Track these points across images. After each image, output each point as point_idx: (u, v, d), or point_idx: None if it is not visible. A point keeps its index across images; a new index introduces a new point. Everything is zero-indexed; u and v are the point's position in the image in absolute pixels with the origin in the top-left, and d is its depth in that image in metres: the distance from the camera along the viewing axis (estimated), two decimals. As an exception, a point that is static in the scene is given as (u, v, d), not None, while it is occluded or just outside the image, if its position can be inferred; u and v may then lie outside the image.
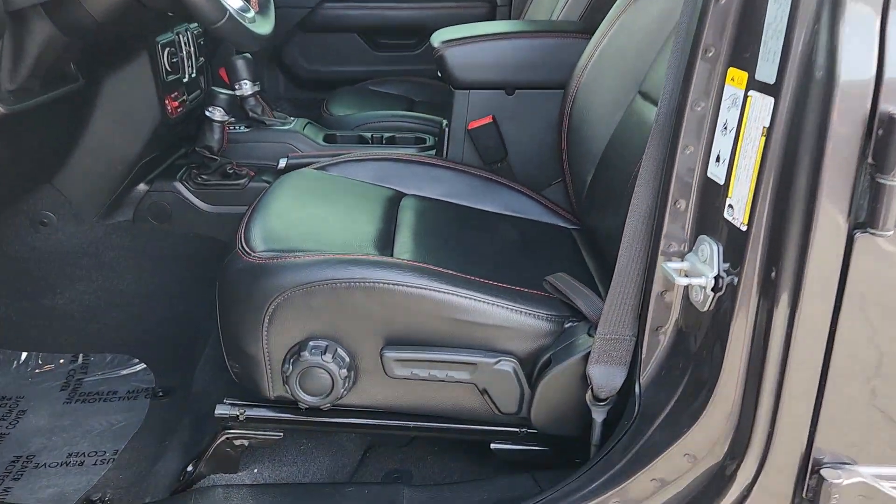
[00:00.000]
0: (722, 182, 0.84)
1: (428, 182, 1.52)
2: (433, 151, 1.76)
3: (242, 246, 1.12)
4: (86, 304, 1.64)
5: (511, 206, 1.52)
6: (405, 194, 1.49)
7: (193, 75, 1.71)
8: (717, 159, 0.85)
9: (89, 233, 1.63)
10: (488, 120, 1.59)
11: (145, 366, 1.61)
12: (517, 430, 1.14)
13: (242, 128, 1.76)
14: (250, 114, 1.76)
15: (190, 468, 1.20)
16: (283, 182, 1.38)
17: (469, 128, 1.60)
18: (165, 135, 1.62)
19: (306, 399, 1.06)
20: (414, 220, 1.32)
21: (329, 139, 1.82)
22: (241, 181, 1.66)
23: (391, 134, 1.87)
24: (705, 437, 0.89)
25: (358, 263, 1.06)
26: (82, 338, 1.63)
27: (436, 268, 1.08)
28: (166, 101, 1.58)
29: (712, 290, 0.85)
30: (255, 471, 1.19)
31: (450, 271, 1.09)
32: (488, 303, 1.05)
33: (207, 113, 1.60)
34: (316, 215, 1.25)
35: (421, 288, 1.04)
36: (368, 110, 2.06)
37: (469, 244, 1.28)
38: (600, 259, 1.31)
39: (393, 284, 1.04)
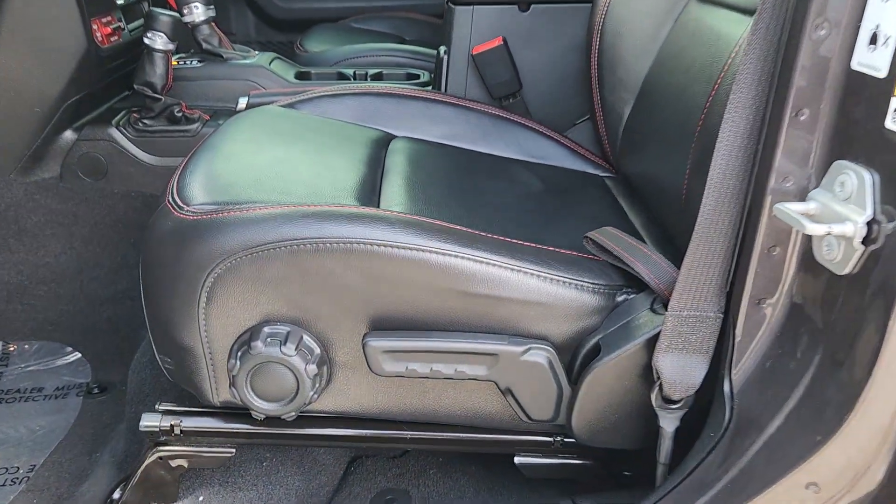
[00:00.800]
0: (883, 74, 0.55)
1: (424, 121, 1.22)
2: (429, 88, 1.46)
3: (174, 199, 0.83)
4: (4, 281, 1.35)
5: (528, 149, 1.23)
6: (395, 136, 1.19)
7: (132, -4, 1.41)
8: (873, 40, 0.56)
9: (6, 192, 1.34)
10: (497, 42, 1.28)
11: (80, 356, 1.33)
12: (550, 439, 0.86)
13: (194, 62, 1.45)
14: (203, 45, 1.45)
15: (117, 494, 0.92)
16: (236, 121, 1.09)
17: (473, 53, 1.30)
18: (95, 70, 1.32)
19: (262, 406, 0.78)
20: (407, 165, 1.03)
21: (302, 76, 1.52)
22: (193, 126, 1.36)
23: (378, 70, 1.57)
24: (842, 462, 0.61)
25: (330, 217, 0.77)
26: (1, 322, 1.35)
27: (437, 222, 0.80)
28: (94, 27, 1.28)
29: (862, 241, 0.56)
30: (201, 499, 0.91)
31: (457, 226, 0.80)
32: (512, 268, 0.76)
33: (146, 40, 1.30)
34: (276, 159, 0.96)
35: (417, 249, 0.75)
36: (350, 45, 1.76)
37: (480, 196, 0.99)
38: (647, 213, 1.03)
39: (379, 245, 0.75)
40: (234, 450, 0.87)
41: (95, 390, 1.24)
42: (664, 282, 0.75)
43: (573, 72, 1.32)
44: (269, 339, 0.76)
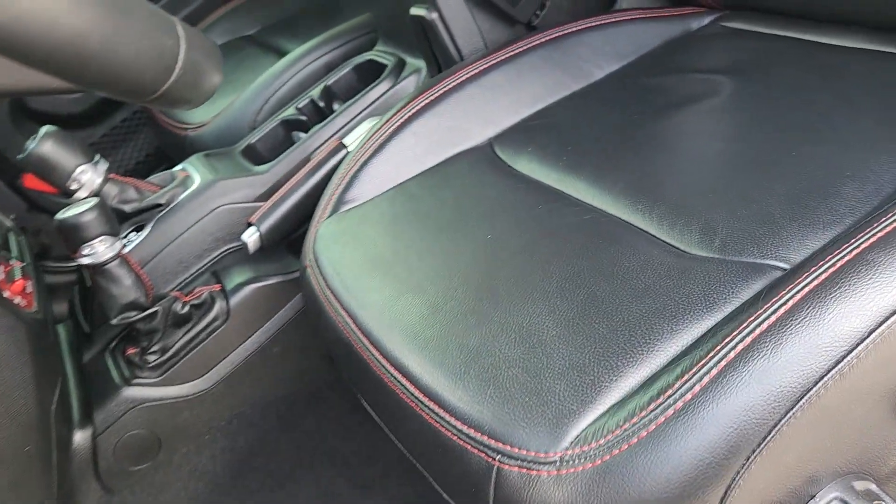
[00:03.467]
0: None
1: (506, 104, 0.91)
2: (420, 76, 1.11)
3: (517, 456, 0.52)
4: None
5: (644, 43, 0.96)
6: (492, 142, 0.88)
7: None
8: None
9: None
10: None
11: None
12: None
13: (131, 237, 1.03)
14: (126, 208, 1.03)
15: None
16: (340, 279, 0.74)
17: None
18: (50, 348, 0.89)
19: None
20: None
21: (252, 156, 1.13)
22: (215, 310, 0.97)
23: (320, 85, 1.19)
24: None
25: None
26: None
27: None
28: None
29: None
30: None
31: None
32: None
33: (85, 259, 0.88)
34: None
35: None
36: (253, 80, 1.33)
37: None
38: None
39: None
40: None
41: None
42: None
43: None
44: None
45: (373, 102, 1.10)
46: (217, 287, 0.98)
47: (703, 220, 0.65)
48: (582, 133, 0.85)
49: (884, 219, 0.52)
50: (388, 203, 0.85)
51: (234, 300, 0.97)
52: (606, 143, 0.81)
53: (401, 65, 1.14)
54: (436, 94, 0.95)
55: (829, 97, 0.77)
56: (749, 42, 0.92)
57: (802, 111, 0.76)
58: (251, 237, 0.97)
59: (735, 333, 0.49)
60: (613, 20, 0.99)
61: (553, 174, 0.80)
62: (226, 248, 1.03)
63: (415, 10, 1.03)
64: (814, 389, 0.46)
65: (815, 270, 0.50)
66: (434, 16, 1.00)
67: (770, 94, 0.81)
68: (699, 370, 0.48)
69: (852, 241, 0.51)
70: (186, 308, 0.97)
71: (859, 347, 0.47)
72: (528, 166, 0.83)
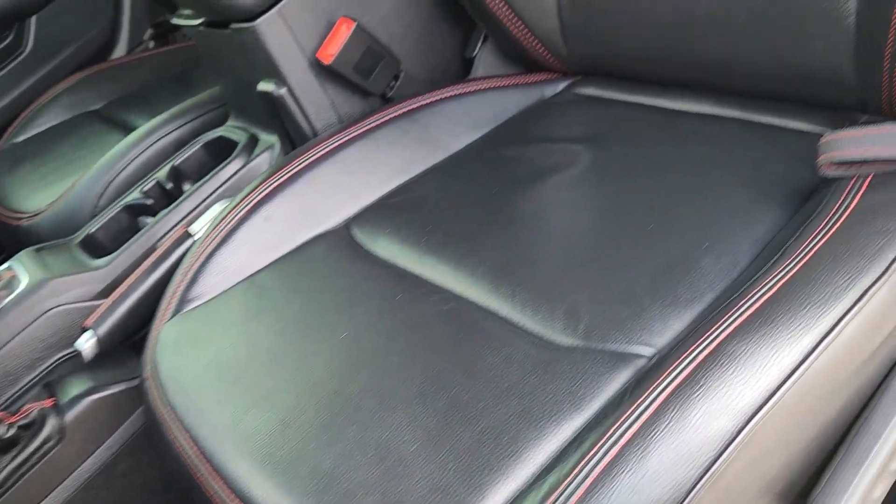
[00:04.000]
0: None
1: (361, 181, 0.87)
2: (273, 153, 1.05)
3: None
4: None
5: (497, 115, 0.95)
6: (350, 224, 0.84)
7: None
8: None
9: None
10: (347, 27, 0.92)
11: None
12: None
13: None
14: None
15: None
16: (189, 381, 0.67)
17: (327, 62, 0.92)
18: None
19: None
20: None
21: (92, 248, 1.03)
22: (42, 434, 0.86)
23: (167, 165, 1.11)
24: None
25: None
26: None
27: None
28: None
29: None
30: None
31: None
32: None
33: None
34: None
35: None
36: (96, 160, 1.22)
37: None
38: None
39: None
40: None
41: None
42: None
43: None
44: None
45: (224, 183, 1.03)
46: (49, 402, 0.87)
47: (567, 303, 0.62)
48: (442, 211, 0.81)
49: (741, 302, 0.51)
50: (236, 299, 0.78)
51: (70, 416, 0.86)
52: (467, 222, 0.78)
53: (253, 141, 1.08)
54: (288, 175, 0.89)
55: (684, 165, 0.77)
56: (602, 109, 0.92)
57: (658, 181, 0.75)
58: (87, 343, 0.87)
59: (601, 443, 0.45)
60: (469, 90, 0.98)
61: (413, 257, 0.76)
62: (60, 355, 0.92)
63: (262, 86, 0.97)
64: (686, 500, 0.43)
65: (677, 365, 0.48)
66: (283, 91, 0.95)
67: (627, 163, 0.80)
68: (565, 490, 0.44)
69: (712, 329, 0.49)
70: (12, 430, 0.85)
71: (728, 450, 0.44)
72: (387, 249, 0.79)
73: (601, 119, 0.91)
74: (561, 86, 1.00)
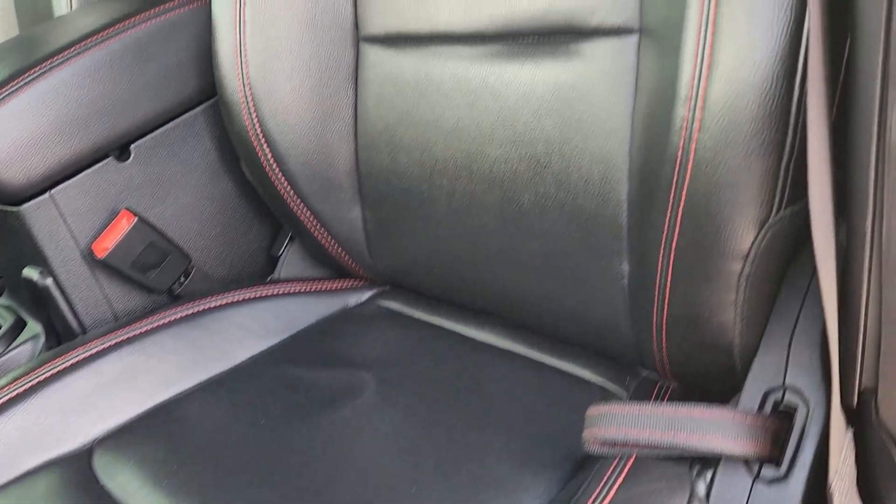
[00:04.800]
0: None
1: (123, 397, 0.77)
2: (37, 345, 0.93)
3: None
4: None
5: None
6: (94, 448, 0.72)
7: None
8: None
9: None
10: (126, 221, 0.85)
11: None
12: None
13: None
14: None
15: None
16: None
17: (101, 256, 0.84)
18: None
19: None
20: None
21: None
22: None
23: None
24: None
25: None
26: None
27: None
28: None
29: None
30: None
31: None
32: None
33: None
34: None
35: None
36: None
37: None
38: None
39: None
40: None
41: None
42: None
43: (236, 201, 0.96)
44: None
45: (-28, 374, 0.90)
46: None
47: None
48: (200, 442, 0.72)
49: None
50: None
51: None
52: (225, 462, 0.69)
53: (19, 326, 0.96)
54: (37, 379, 0.78)
55: (473, 400, 0.73)
56: (402, 328, 0.88)
57: (447, 417, 0.70)
58: None
59: None
60: (266, 294, 0.91)
61: (149, 501, 0.65)
62: None
63: (27, 272, 0.87)
64: None
65: None
66: (48, 281, 0.85)
67: (421, 391, 0.75)
68: None
69: None
70: None
71: None
72: (124, 489, 0.67)
73: (399, 339, 0.86)
74: (366, 295, 0.95)
